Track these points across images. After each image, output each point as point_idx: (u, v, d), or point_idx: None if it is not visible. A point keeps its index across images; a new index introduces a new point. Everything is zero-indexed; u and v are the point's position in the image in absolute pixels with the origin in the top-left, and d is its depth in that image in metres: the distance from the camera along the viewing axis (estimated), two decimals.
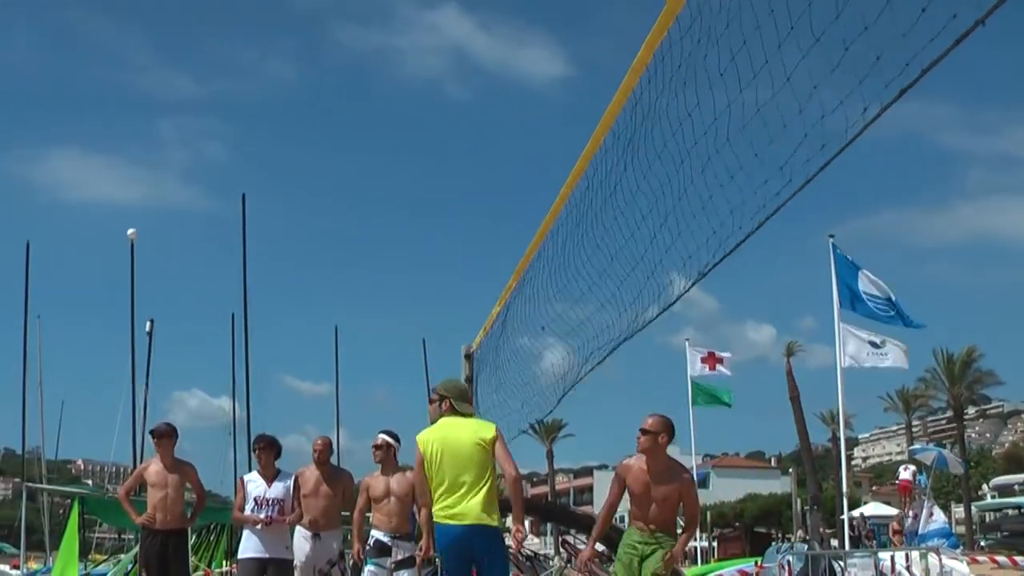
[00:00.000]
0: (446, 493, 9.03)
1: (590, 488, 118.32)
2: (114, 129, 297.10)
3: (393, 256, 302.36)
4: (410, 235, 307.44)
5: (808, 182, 5.68)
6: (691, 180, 6.81)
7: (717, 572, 26.78)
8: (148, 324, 40.86)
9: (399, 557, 12.47)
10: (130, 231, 40.62)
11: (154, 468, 12.78)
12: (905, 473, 38.88)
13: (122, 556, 23.67)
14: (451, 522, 8.95)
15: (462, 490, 8.95)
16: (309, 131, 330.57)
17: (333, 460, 13.30)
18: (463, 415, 9.24)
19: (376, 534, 12.50)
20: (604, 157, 8.19)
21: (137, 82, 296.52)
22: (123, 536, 32.18)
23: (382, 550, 12.44)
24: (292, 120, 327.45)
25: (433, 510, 9.18)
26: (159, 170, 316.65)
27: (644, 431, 9.92)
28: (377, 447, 12.71)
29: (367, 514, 12.80)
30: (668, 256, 7.48)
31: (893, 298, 24.34)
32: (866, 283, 24.46)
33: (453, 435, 9.10)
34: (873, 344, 24.93)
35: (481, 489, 8.91)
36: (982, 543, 46.10)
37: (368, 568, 12.52)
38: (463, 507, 8.90)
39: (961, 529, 57.72)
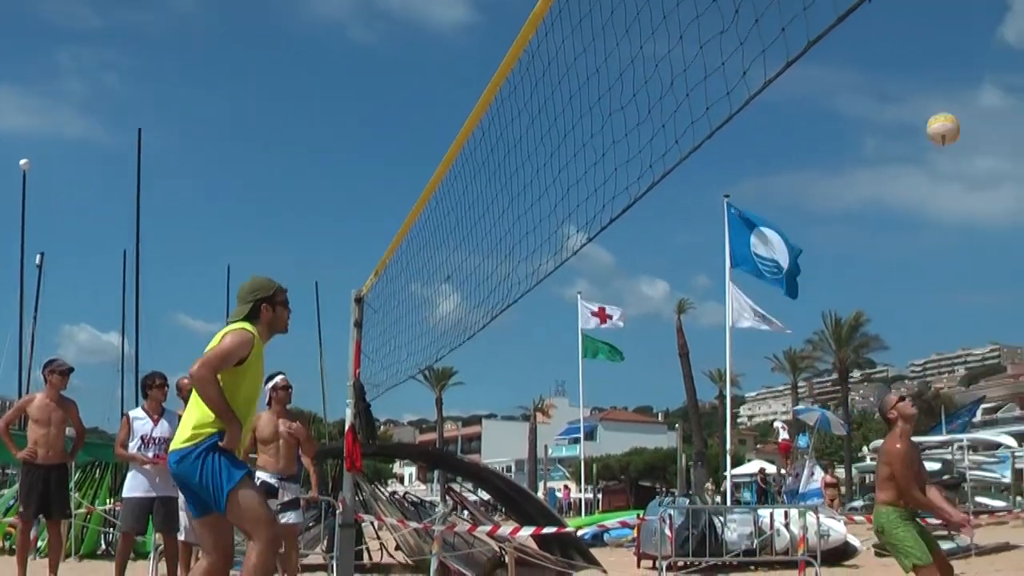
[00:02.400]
0: None
1: (478, 437, 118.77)
2: (9, 56, 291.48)
3: (289, 198, 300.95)
4: (306, 177, 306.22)
5: (695, 150, 5.68)
6: (590, 135, 6.82)
7: (600, 523, 27.12)
8: (38, 257, 40.31)
9: (285, 499, 12.50)
10: (22, 161, 39.96)
11: (39, 403, 12.62)
12: (784, 433, 39.65)
13: (3, 491, 23.40)
14: None
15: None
16: (209, 68, 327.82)
17: None
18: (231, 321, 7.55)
19: (263, 475, 12.49)
20: (501, 108, 8.20)
21: (36, 9, 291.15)
22: (5, 471, 31.77)
23: (269, 491, 12.43)
24: (193, 56, 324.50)
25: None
26: (55, 99, 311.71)
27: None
28: (283, 388, 12.72)
29: (251, 455, 12.79)
30: (561, 211, 7.46)
31: (784, 264, 24.60)
32: (758, 243, 24.72)
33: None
34: (756, 312, 25.32)
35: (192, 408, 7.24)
36: (858, 503, 47.09)
37: None
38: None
39: (843, 490, 58.87)
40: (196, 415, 7.08)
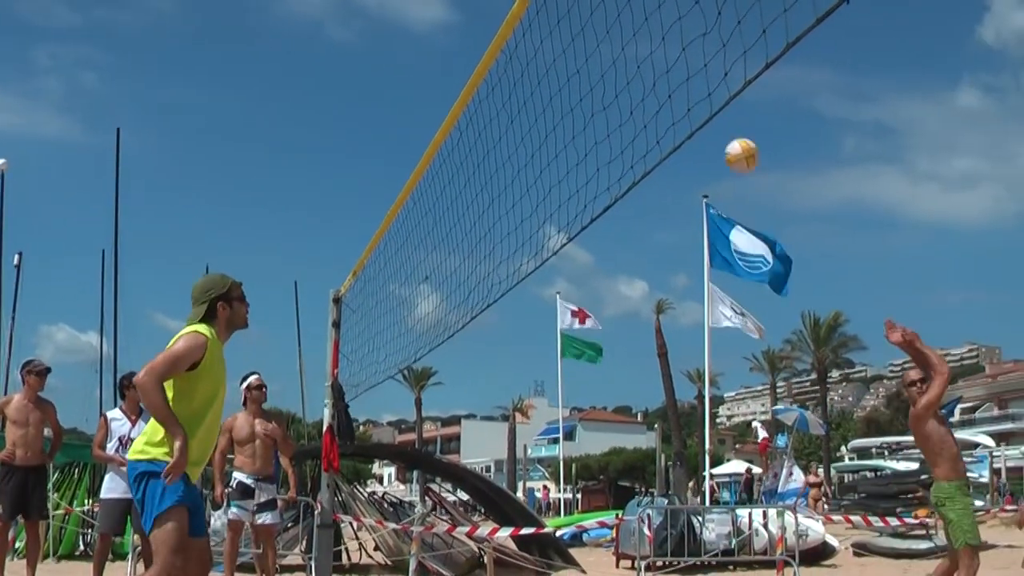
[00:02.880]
0: None
1: (457, 437, 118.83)
2: None
3: (267, 196, 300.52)
4: (284, 176, 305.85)
5: (675, 150, 5.69)
6: (571, 136, 6.82)
7: (579, 523, 27.10)
8: (16, 257, 40.05)
9: (262, 499, 12.49)
10: (0, 161, 39.70)
11: (16, 404, 12.57)
12: (762, 432, 39.71)
13: None
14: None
15: None
16: (187, 66, 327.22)
17: None
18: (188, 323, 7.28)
19: (239, 476, 12.50)
20: (479, 108, 8.20)
21: (11, 6, 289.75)
22: None
23: (245, 492, 12.44)
24: (170, 54, 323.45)
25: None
26: (32, 99, 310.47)
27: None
28: (258, 387, 12.71)
29: (228, 455, 12.78)
30: (542, 212, 7.45)
31: (769, 257, 24.58)
32: (740, 241, 24.73)
33: None
34: (735, 311, 25.34)
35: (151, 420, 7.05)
36: (829, 504, 47.22)
37: (231, 510, 12.52)
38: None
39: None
40: (149, 429, 6.89)
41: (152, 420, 6.89)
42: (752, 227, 25.17)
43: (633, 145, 5.95)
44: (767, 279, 24.60)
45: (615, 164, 6.19)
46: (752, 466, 54.73)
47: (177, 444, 6.54)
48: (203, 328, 7.03)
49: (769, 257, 24.58)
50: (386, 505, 20.02)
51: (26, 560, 12.95)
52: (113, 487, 12.14)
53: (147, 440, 6.82)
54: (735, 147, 13.57)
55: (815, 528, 19.48)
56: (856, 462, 53.79)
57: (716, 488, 50.37)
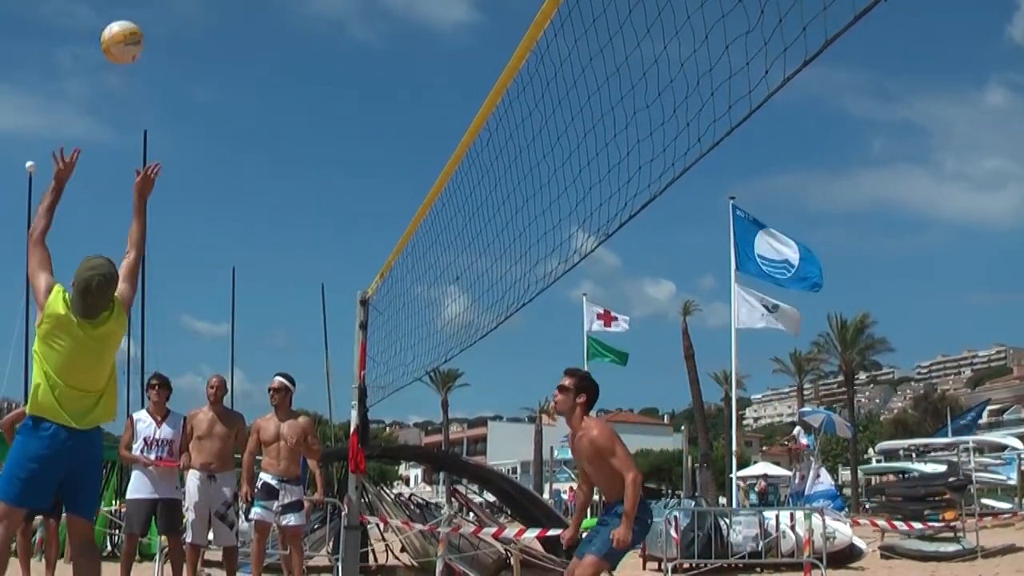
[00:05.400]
0: None
1: (484, 438, 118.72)
2: (9, 56, 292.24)
3: (294, 199, 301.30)
4: (311, 177, 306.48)
5: (714, 147, 5.67)
6: (609, 138, 6.79)
7: None
8: None
9: (286, 500, 12.49)
10: (29, 164, 39.71)
11: None
12: (803, 437, 39.47)
13: None
14: None
15: None
16: (211, 67, 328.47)
17: (227, 403, 13.26)
18: None
19: (264, 476, 12.51)
20: (509, 110, 8.17)
21: (35, 8, 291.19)
22: None
23: (270, 492, 12.45)
24: (194, 55, 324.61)
25: None
26: (56, 100, 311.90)
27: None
28: (276, 389, 12.69)
29: (257, 456, 12.78)
30: (581, 212, 7.41)
31: (794, 261, 24.49)
32: (763, 245, 24.64)
33: None
34: (767, 307, 25.17)
35: None
36: (866, 506, 46.98)
37: (255, 510, 12.53)
38: None
39: (848, 492, 58.81)
40: None
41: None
42: (777, 228, 25.07)
43: (675, 143, 5.95)
44: (791, 285, 24.53)
45: (656, 162, 6.18)
46: (768, 470, 54.53)
47: None
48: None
49: (795, 260, 24.48)
50: (412, 507, 20.02)
51: (45, 557, 12.94)
52: (138, 487, 12.14)
53: None
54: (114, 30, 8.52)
55: (843, 531, 19.42)
56: (884, 464, 53.48)
57: (748, 489, 50.24)
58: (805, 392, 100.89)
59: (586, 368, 40.05)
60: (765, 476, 53.37)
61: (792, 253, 24.56)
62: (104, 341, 7.45)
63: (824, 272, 24.84)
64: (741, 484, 55.84)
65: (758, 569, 18.60)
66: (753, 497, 50.22)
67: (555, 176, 7.71)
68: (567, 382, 8.77)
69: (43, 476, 7.19)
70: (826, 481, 29.61)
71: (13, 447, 7.34)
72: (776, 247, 24.67)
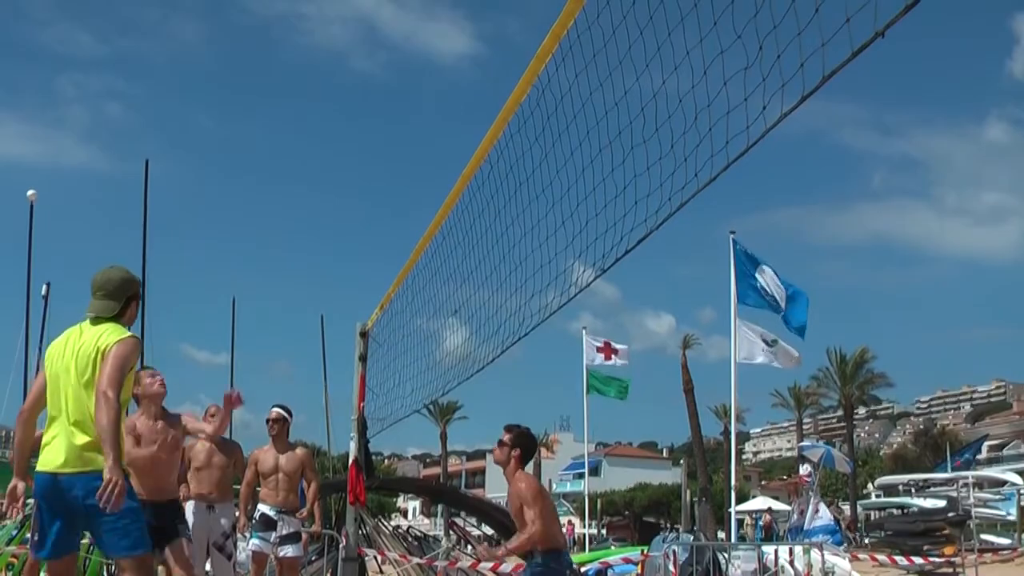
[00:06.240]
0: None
1: (482, 471, 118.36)
2: (10, 83, 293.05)
3: (294, 229, 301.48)
4: (311, 208, 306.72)
5: (711, 182, 5.70)
6: (607, 171, 6.82)
7: (604, 559, 26.97)
8: (44, 288, 40.23)
9: (284, 531, 12.47)
10: (30, 192, 39.92)
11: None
12: (804, 469, 39.42)
13: (5, 522, 23.29)
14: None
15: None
16: (211, 97, 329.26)
17: (226, 433, 13.23)
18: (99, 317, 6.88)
19: (262, 508, 12.50)
20: (510, 142, 8.20)
21: (36, 35, 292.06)
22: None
23: (268, 524, 12.43)
24: (194, 84, 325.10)
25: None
26: (56, 128, 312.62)
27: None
28: (274, 420, 12.68)
29: (256, 488, 12.76)
30: (578, 245, 7.44)
31: (781, 303, 24.58)
32: (764, 280, 24.71)
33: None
34: (766, 342, 25.21)
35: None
36: (865, 541, 46.89)
37: (253, 541, 12.51)
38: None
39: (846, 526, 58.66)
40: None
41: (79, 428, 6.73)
42: (776, 262, 25.18)
43: (673, 178, 5.98)
44: (785, 321, 24.65)
45: (653, 197, 6.22)
46: (772, 504, 54.38)
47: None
48: (126, 331, 6.80)
49: (783, 304, 24.60)
50: (411, 539, 19.98)
51: None
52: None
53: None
54: None
55: (842, 565, 19.37)
56: (883, 499, 53.46)
57: (750, 523, 50.07)
58: (804, 426, 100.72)
59: (586, 401, 40.17)
60: (770, 510, 53.25)
61: (780, 297, 24.64)
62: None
63: (824, 306, 25.05)
64: (748, 518, 55.87)
65: None
66: (751, 531, 50.15)
67: (554, 209, 7.75)
68: (505, 437, 9.17)
69: None
70: (825, 516, 29.56)
71: None
72: (770, 287, 24.75)
